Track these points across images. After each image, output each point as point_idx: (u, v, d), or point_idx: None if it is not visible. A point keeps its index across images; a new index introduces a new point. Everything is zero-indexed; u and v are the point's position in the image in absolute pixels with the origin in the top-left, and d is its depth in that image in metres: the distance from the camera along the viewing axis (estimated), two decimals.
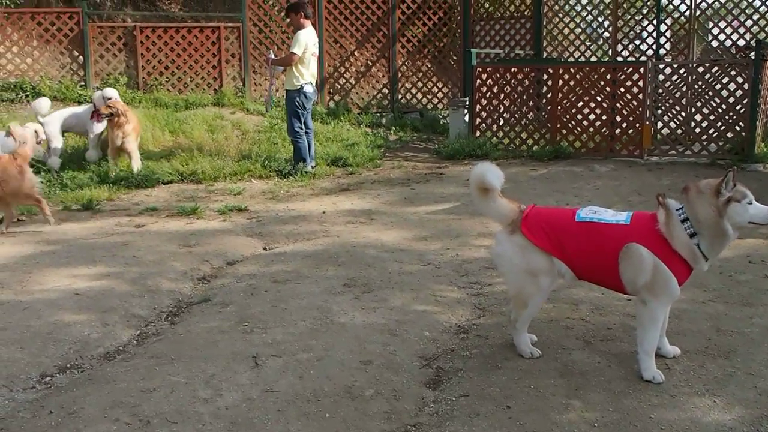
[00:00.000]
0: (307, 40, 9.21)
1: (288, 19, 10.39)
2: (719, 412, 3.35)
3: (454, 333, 4.33)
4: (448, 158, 10.47)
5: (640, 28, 13.44)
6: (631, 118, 10.18)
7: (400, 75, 13.48)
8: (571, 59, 13.42)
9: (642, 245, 3.58)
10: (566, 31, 13.62)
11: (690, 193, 3.59)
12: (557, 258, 3.77)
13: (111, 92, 9.49)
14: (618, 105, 10.28)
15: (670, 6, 13.12)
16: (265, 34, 12.73)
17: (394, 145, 11.59)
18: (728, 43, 12.65)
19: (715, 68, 10.03)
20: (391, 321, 4.44)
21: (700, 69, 10.18)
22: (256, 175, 9.32)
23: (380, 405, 3.45)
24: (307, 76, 9.27)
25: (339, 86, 13.35)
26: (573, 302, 4.73)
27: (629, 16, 13.20)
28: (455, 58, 13.83)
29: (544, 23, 13.41)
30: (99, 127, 9.34)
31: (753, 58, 9.72)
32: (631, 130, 10.18)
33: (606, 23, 14.13)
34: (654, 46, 12.91)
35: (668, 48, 13.14)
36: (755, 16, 12.42)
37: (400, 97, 13.45)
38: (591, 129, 10.47)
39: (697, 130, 10.19)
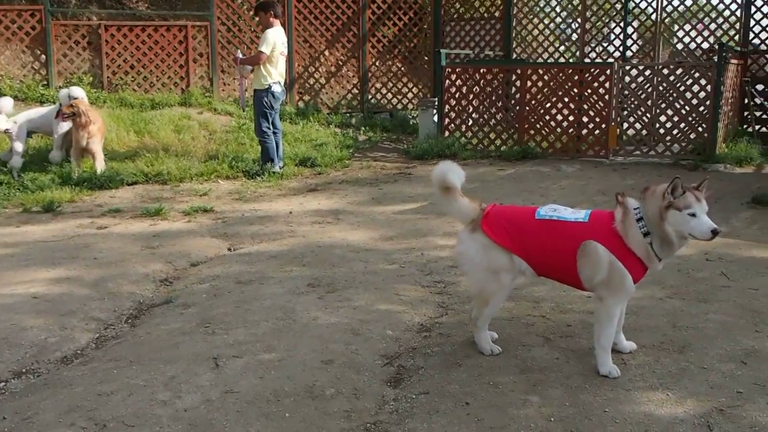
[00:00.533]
0: (275, 39, 9.17)
1: (257, 18, 10.34)
2: (672, 405, 3.40)
3: (417, 331, 4.34)
4: (417, 158, 10.50)
5: (608, 30, 13.57)
6: (597, 119, 10.29)
7: (370, 75, 13.47)
8: (540, 60, 13.51)
9: (599, 243, 3.61)
10: (535, 32, 13.70)
11: (647, 193, 3.63)
12: (517, 255, 3.79)
13: (77, 91, 9.36)
14: (585, 106, 10.39)
15: (637, 9, 13.29)
16: (234, 33, 12.65)
17: (364, 145, 11.58)
18: (693, 45, 12.83)
19: (680, 70, 10.18)
20: (354, 320, 4.43)
21: (665, 71, 10.34)
22: (223, 175, 9.25)
23: (341, 404, 3.44)
24: (275, 75, 9.22)
25: (309, 86, 13.31)
26: (534, 300, 4.77)
27: (597, 19, 13.33)
28: (426, 58, 13.86)
29: (514, 24, 13.48)
30: (64, 126, 9.18)
31: (716, 60, 9.85)
32: (597, 131, 10.29)
33: (575, 25, 14.23)
34: (621, 48, 13.04)
35: (635, 50, 13.29)
36: (719, 20, 12.61)
37: (370, 97, 13.44)
38: (558, 129, 10.57)
39: (662, 131, 10.31)
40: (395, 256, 5.85)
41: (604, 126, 10.19)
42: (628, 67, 10.70)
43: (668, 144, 10.19)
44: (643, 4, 13.11)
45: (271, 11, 9.25)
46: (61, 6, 12.76)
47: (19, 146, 9.02)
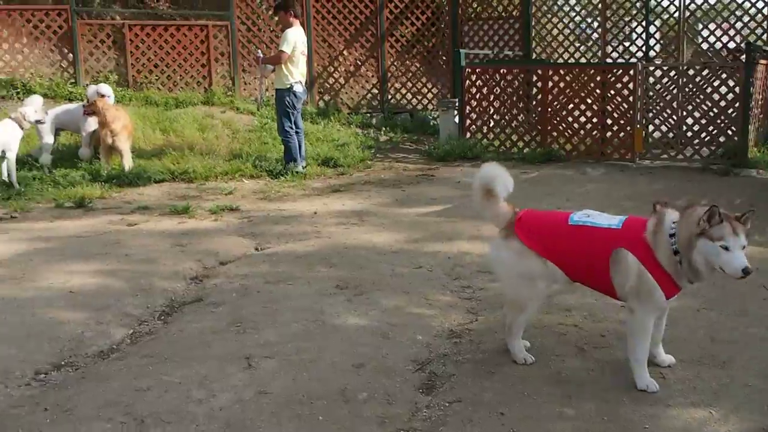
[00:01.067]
0: (296, 38, 9.20)
1: (276, 18, 10.37)
2: (715, 424, 3.32)
3: (447, 337, 4.33)
4: (439, 160, 10.49)
5: (629, 29, 13.49)
6: (622, 121, 10.19)
7: (389, 75, 13.48)
8: (561, 60, 13.46)
9: (629, 251, 3.55)
10: (555, 31, 13.65)
11: (686, 212, 3.48)
12: (551, 261, 3.76)
13: (105, 88, 9.49)
14: (609, 107, 10.29)
15: (659, 7, 13.16)
16: (254, 33, 12.70)
17: (385, 145, 11.60)
18: (718, 45, 12.61)
19: (706, 71, 10.02)
20: (384, 324, 4.44)
21: (691, 71, 10.20)
22: (247, 174, 9.31)
23: (373, 409, 3.45)
24: (296, 75, 9.25)
25: (328, 86, 13.34)
26: (566, 309, 4.71)
27: (618, 17, 13.23)
28: (444, 58, 13.84)
29: (533, 24, 13.43)
30: (92, 124, 9.26)
31: (744, 61, 9.69)
32: (622, 134, 10.19)
33: (595, 24, 14.14)
34: (644, 48, 12.93)
35: (658, 50, 13.15)
36: (745, 18, 12.40)
37: (389, 97, 13.45)
38: (582, 132, 10.50)
39: (689, 134, 10.14)
40: (421, 259, 5.85)
41: (629, 128, 10.10)
42: (652, 68, 10.62)
43: (697, 148, 9.98)
44: (665, 3, 12.99)
45: (290, 11, 9.29)
46: (86, 6, 12.88)
47: (47, 142, 9.11)
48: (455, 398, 3.57)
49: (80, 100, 10.50)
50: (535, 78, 11.05)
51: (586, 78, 10.41)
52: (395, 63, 13.56)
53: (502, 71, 11.21)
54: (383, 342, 4.18)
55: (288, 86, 9.21)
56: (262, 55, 9.79)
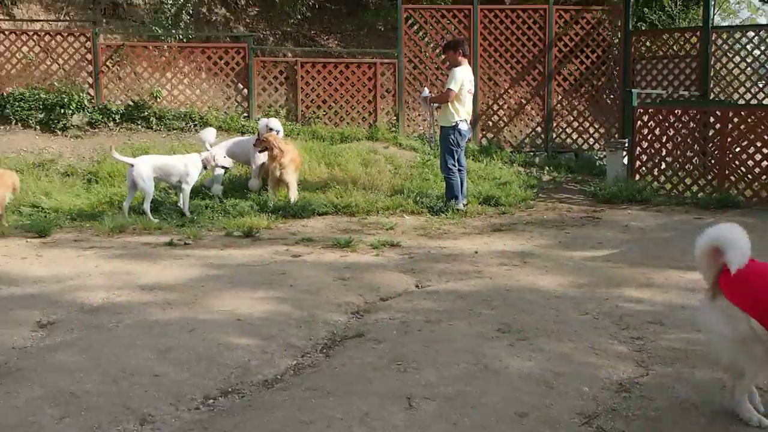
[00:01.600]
0: (463, 77, 9.25)
1: (444, 56, 10.48)
2: None
3: (615, 391, 4.08)
4: (605, 201, 10.11)
5: None
6: None
7: (555, 114, 13.23)
8: (741, 101, 12.65)
9: None
10: (736, 71, 12.86)
11: None
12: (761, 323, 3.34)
13: (274, 123, 9.91)
14: None
15: None
16: (420, 70, 12.91)
17: (548, 185, 11.35)
18: None
19: None
20: (548, 372, 4.26)
21: None
22: (408, 210, 9.38)
23: None
24: (462, 113, 9.29)
25: (491, 124, 13.29)
26: None
27: None
28: (612, 97, 13.44)
29: (712, 63, 12.73)
30: (261, 157, 9.69)
31: None
32: None
33: None
34: None
35: None
36: None
37: (554, 136, 13.19)
38: (764, 176, 9.78)
39: None
40: (587, 305, 5.60)
41: None
42: None
43: None
44: None
45: (460, 50, 9.38)
46: (261, 44, 13.65)
47: (219, 173, 9.64)
48: None
49: (251, 133, 11.07)
50: (712, 119, 10.43)
51: None
52: (561, 101, 13.30)
53: (677, 112, 10.68)
54: (547, 391, 4.00)
55: (453, 124, 9.26)
56: (428, 93, 9.90)
